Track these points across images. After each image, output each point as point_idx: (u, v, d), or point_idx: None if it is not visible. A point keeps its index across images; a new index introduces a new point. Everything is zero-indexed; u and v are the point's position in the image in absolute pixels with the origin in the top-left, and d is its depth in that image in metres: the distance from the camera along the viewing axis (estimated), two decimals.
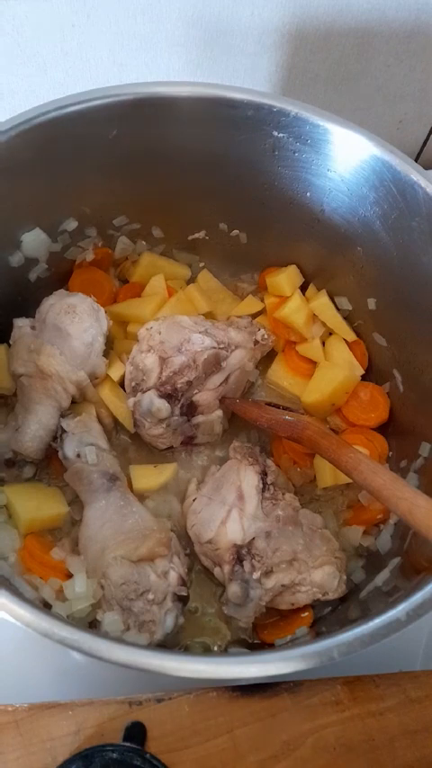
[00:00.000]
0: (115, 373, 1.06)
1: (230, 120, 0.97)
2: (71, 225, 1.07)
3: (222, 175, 1.06)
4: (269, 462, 1.00)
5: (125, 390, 1.04)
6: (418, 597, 0.71)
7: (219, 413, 1.05)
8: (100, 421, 1.05)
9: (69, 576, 0.89)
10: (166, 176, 1.06)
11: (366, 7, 1.23)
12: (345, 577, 0.93)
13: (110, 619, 0.84)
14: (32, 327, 1.03)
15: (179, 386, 0.98)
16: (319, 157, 0.99)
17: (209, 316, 1.15)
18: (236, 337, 1.05)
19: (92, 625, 0.87)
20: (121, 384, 1.07)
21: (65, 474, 0.99)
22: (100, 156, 1.00)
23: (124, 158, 1.02)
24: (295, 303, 1.12)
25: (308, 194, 1.05)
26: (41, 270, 1.09)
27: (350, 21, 1.25)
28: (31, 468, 1.03)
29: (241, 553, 0.89)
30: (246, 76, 1.33)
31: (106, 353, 1.06)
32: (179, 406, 1.00)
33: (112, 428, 1.08)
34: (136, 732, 0.82)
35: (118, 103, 0.94)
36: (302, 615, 0.93)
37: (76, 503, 0.99)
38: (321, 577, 0.89)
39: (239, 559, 0.89)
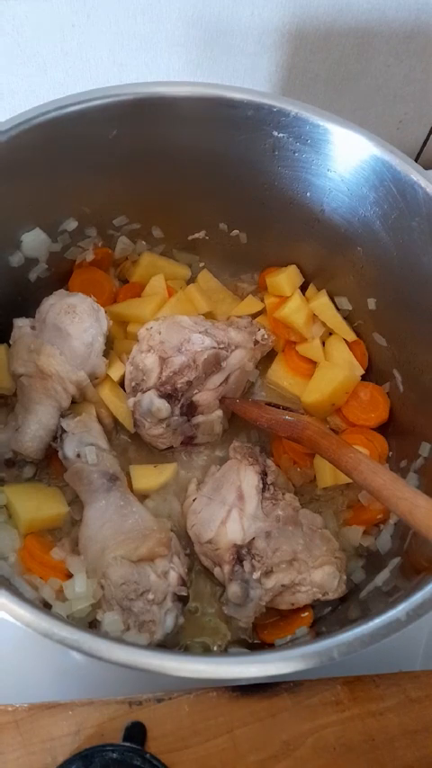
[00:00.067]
0: (115, 373, 1.06)
1: (230, 120, 0.97)
2: (71, 225, 1.07)
3: (222, 175, 1.06)
4: (269, 462, 1.00)
5: (125, 390, 1.04)
6: (418, 597, 0.71)
7: (219, 413, 1.05)
8: (100, 421, 1.05)
9: (69, 576, 0.89)
10: (166, 176, 1.06)
11: (366, 7, 1.23)
12: (345, 577, 0.93)
13: (110, 619, 0.84)
14: (32, 327, 1.03)
15: (179, 386, 0.98)
16: (319, 157, 0.99)
17: (209, 316, 1.15)
18: (236, 337, 1.05)
19: (92, 625, 0.87)
20: (121, 384, 1.07)
21: (65, 474, 0.99)
22: (100, 156, 1.00)
23: (124, 158, 1.02)
24: (295, 303, 1.12)
25: (308, 194, 1.05)
26: (41, 270, 1.09)
27: (350, 21, 1.25)
28: (31, 468, 1.03)
29: (241, 553, 0.89)
30: (246, 76, 1.33)
31: (106, 353, 1.06)
32: (179, 406, 1.00)
33: (112, 428, 1.08)
34: (136, 732, 0.82)
35: (118, 103, 0.94)
36: (302, 615, 0.93)
37: (76, 503, 0.99)
38: (321, 577, 0.89)
39: (239, 559, 0.89)
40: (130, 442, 1.09)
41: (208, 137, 1.01)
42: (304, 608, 0.93)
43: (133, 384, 1.01)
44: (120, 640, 0.69)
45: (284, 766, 0.82)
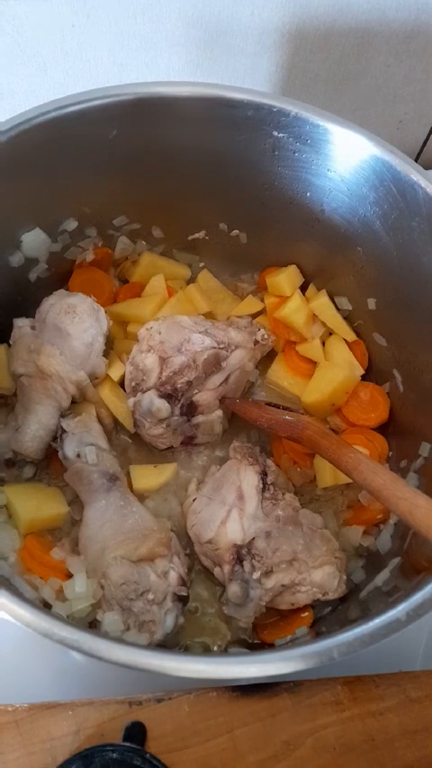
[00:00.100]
0: (115, 373, 1.06)
1: (230, 120, 0.97)
2: (71, 225, 1.07)
3: (222, 175, 1.06)
4: (269, 462, 1.00)
5: (125, 390, 1.04)
6: (418, 597, 0.71)
7: (219, 413, 1.05)
8: (100, 421, 1.05)
9: (69, 576, 0.89)
10: (166, 176, 1.06)
11: (366, 7, 1.23)
12: (345, 577, 0.93)
13: (110, 619, 0.84)
14: (32, 327, 1.03)
15: (179, 386, 0.98)
16: (319, 157, 0.99)
17: (209, 316, 1.15)
18: (236, 337, 1.05)
19: (92, 625, 0.87)
20: (121, 384, 1.07)
21: (65, 474, 0.99)
22: (100, 156, 1.00)
23: (124, 158, 1.02)
24: (295, 303, 1.12)
25: (308, 194, 1.05)
26: (41, 270, 1.09)
27: (350, 21, 1.25)
28: (31, 468, 1.03)
29: (241, 553, 0.89)
30: (246, 76, 1.33)
31: (106, 353, 1.06)
32: (179, 406, 1.00)
33: (112, 428, 1.08)
34: (136, 732, 0.82)
35: (118, 103, 0.94)
36: (302, 615, 0.93)
37: (76, 503, 0.99)
38: (321, 577, 0.89)
39: (239, 559, 0.89)
40: (130, 442, 1.09)
41: (208, 137, 1.01)
42: (304, 608, 0.93)
43: (133, 384, 1.01)
44: (120, 640, 0.69)
45: (284, 766, 0.82)
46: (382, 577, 0.89)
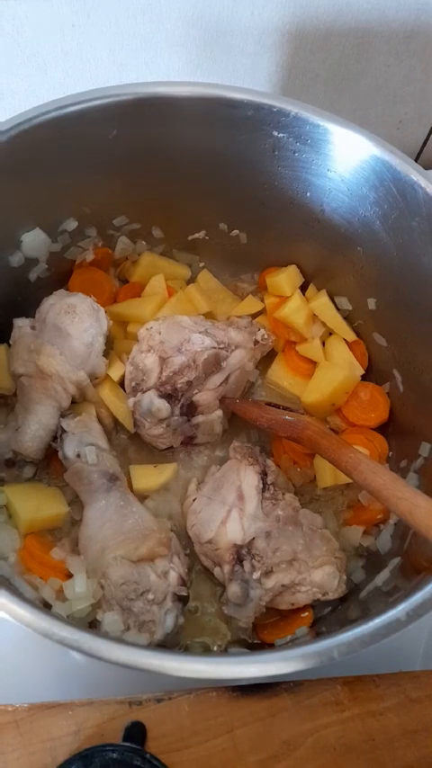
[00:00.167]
0: (115, 373, 1.06)
1: (230, 120, 0.97)
2: (71, 225, 1.07)
3: (222, 175, 1.06)
4: (269, 462, 1.00)
5: (125, 390, 1.04)
6: (418, 597, 0.71)
7: (219, 413, 1.05)
8: (100, 421, 1.05)
9: (69, 576, 0.89)
10: (166, 176, 1.06)
11: (366, 7, 1.23)
12: (345, 577, 0.93)
13: (110, 619, 0.84)
14: (32, 327, 1.03)
15: (179, 386, 0.98)
16: (319, 157, 0.99)
17: (209, 316, 1.15)
18: (236, 337, 1.05)
19: (92, 625, 0.87)
20: (121, 384, 1.07)
21: (65, 474, 0.99)
22: (100, 156, 1.00)
23: (124, 158, 1.02)
24: (295, 303, 1.12)
25: (308, 194, 1.05)
26: (41, 270, 1.09)
27: (350, 21, 1.25)
28: (31, 468, 1.03)
29: (241, 553, 0.89)
30: (246, 76, 1.33)
31: (106, 353, 1.06)
32: (179, 406, 1.00)
33: (112, 428, 1.08)
34: (136, 732, 0.82)
35: (118, 103, 0.94)
36: (302, 615, 0.93)
37: (76, 503, 0.99)
38: (321, 577, 0.89)
39: (239, 559, 0.89)
40: (130, 442, 1.09)
41: (208, 137, 1.01)
42: (304, 608, 0.93)
43: (133, 384, 1.01)
44: (120, 640, 0.69)
45: (284, 766, 0.82)
46: (382, 577, 0.89)
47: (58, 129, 0.92)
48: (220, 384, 1.03)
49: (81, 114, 0.92)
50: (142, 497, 1.01)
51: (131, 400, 1.01)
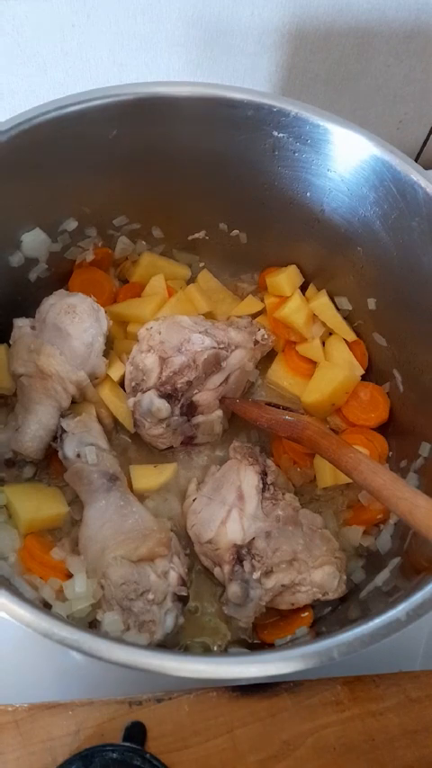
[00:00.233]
0: (115, 373, 1.06)
1: (230, 120, 0.97)
2: (71, 225, 1.07)
3: (222, 175, 1.06)
4: (269, 462, 1.00)
5: (125, 390, 1.04)
6: (418, 597, 0.71)
7: (219, 413, 1.05)
8: (100, 421, 1.05)
9: (69, 576, 0.89)
10: (166, 176, 1.06)
11: (366, 7, 1.23)
12: (345, 577, 0.93)
13: (110, 619, 0.84)
14: (32, 327, 1.03)
15: (179, 386, 0.98)
16: (319, 157, 0.99)
17: (209, 316, 1.15)
18: (236, 337, 1.05)
19: (92, 625, 0.87)
20: (121, 384, 1.07)
21: (65, 474, 0.99)
22: (100, 156, 1.00)
23: (124, 158, 1.02)
24: (295, 303, 1.12)
25: (308, 194, 1.05)
26: (41, 270, 1.09)
27: (350, 21, 1.25)
28: (31, 468, 1.03)
29: (241, 553, 0.89)
30: (246, 76, 1.33)
31: (106, 353, 1.06)
32: (179, 406, 1.00)
33: (112, 428, 1.08)
34: (136, 732, 0.82)
35: (118, 103, 0.94)
36: (302, 615, 0.93)
37: (76, 503, 0.99)
38: (321, 577, 0.89)
39: (239, 559, 0.89)
40: (130, 442, 1.09)
41: (208, 137, 1.01)
42: (304, 608, 0.93)
43: (133, 384, 1.01)
44: (120, 640, 0.69)
45: (284, 766, 0.82)
46: (382, 577, 0.89)
47: (58, 129, 0.92)
48: (220, 384, 1.03)
49: (81, 114, 0.92)
50: (142, 497, 1.01)
51: (131, 400, 1.01)
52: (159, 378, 0.98)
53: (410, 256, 0.97)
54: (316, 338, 1.13)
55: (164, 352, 0.98)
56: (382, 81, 1.38)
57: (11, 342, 1.04)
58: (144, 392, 0.99)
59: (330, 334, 1.15)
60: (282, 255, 1.17)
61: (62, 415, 1.02)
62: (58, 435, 1.00)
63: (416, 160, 1.34)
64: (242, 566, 0.88)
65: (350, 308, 1.14)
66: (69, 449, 0.98)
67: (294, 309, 1.11)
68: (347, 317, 1.15)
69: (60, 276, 1.12)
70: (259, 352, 1.12)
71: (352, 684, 0.87)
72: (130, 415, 1.04)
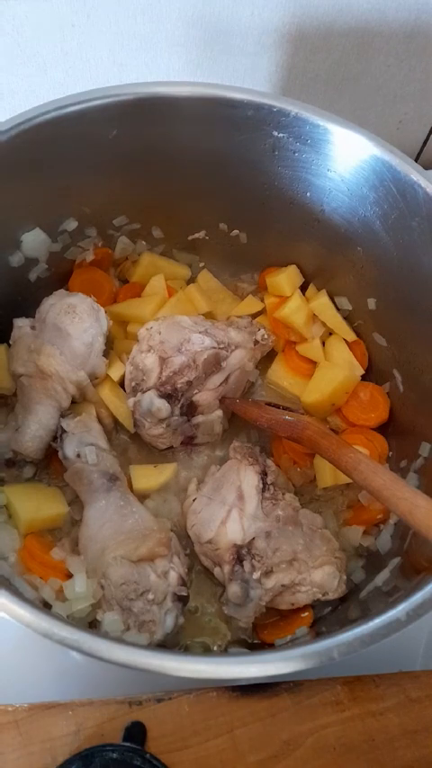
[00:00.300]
0: (115, 373, 1.06)
1: (230, 120, 0.97)
2: (71, 225, 1.07)
3: (222, 175, 1.06)
4: (269, 462, 1.00)
5: (125, 390, 1.04)
6: (418, 597, 0.71)
7: (219, 413, 1.05)
8: (100, 421, 1.05)
9: (69, 576, 0.89)
10: (166, 176, 1.06)
11: (366, 7, 1.23)
12: (345, 577, 0.93)
13: (110, 619, 0.84)
14: (32, 327, 1.03)
15: (179, 386, 0.98)
16: (319, 157, 0.99)
17: (209, 316, 1.15)
18: (236, 337, 1.05)
19: (92, 625, 0.87)
20: (121, 384, 1.07)
21: (65, 474, 0.99)
22: (100, 156, 1.00)
23: (124, 158, 1.02)
24: (295, 303, 1.12)
25: (308, 194, 1.05)
26: (41, 270, 1.09)
27: (350, 21, 1.25)
28: (31, 468, 1.03)
29: (241, 553, 0.89)
30: (246, 76, 1.33)
31: (106, 353, 1.06)
32: (179, 406, 1.00)
33: (112, 428, 1.08)
34: (136, 732, 0.82)
35: (118, 103, 0.94)
36: (302, 615, 0.93)
37: (76, 503, 0.99)
38: (321, 577, 0.89)
39: (239, 559, 0.89)
40: (130, 442, 1.09)
41: (208, 137, 1.01)
42: (304, 608, 0.93)
43: (133, 384, 1.01)
44: (120, 640, 0.69)
45: (284, 766, 0.82)
46: (382, 577, 0.89)
47: (58, 129, 0.92)
48: (220, 384, 1.03)
49: (81, 114, 0.92)
50: (142, 497, 1.01)
51: (131, 400, 1.01)
52: (159, 378, 0.98)
53: (410, 256, 0.97)
54: (316, 338, 1.13)
55: (164, 352, 0.98)
56: (382, 81, 1.38)
57: (11, 342, 1.04)
58: (144, 392, 0.99)
59: (330, 334, 1.15)
60: (282, 255, 1.17)
61: (62, 415, 1.02)
62: (58, 435, 1.00)
63: (416, 160, 1.34)
64: (242, 566, 0.88)
65: (350, 308, 1.14)
66: (69, 449, 0.98)
67: (294, 309, 1.11)
68: (347, 317, 1.15)
69: (60, 276, 1.12)
70: (259, 352, 1.12)
71: (352, 684, 0.87)
72: (130, 415, 1.04)
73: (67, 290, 1.10)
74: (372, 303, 1.08)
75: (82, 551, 0.92)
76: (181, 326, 1.01)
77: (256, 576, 0.87)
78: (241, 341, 1.05)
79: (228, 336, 1.04)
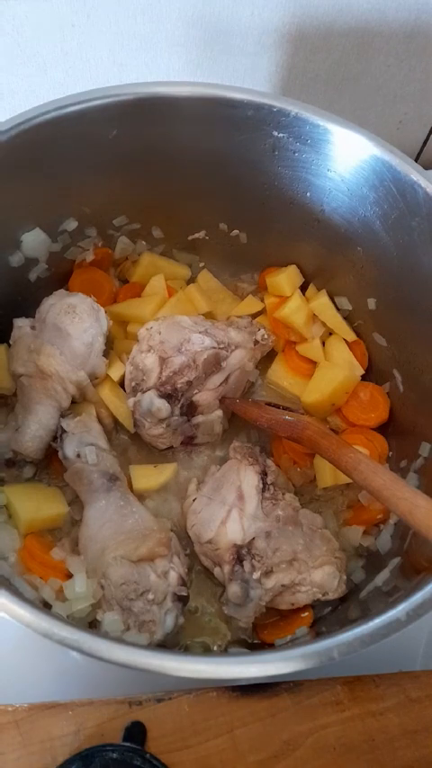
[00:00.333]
0: (115, 373, 1.06)
1: (230, 120, 0.97)
2: (71, 225, 1.07)
3: (222, 175, 1.06)
4: (269, 462, 1.00)
5: (125, 390, 1.04)
6: (418, 597, 0.71)
7: (219, 413, 1.05)
8: (100, 421, 1.05)
9: (69, 576, 0.89)
10: (166, 176, 1.06)
11: (366, 7, 1.23)
12: (345, 577, 0.93)
13: (110, 619, 0.84)
14: (32, 327, 1.03)
15: (179, 386, 0.98)
16: (319, 157, 0.99)
17: (209, 316, 1.15)
18: (236, 337, 1.05)
19: (92, 625, 0.87)
20: (121, 384, 1.07)
21: (65, 474, 0.99)
22: (100, 156, 1.00)
23: (124, 158, 1.02)
24: (295, 303, 1.12)
25: (308, 194, 1.05)
26: (41, 270, 1.09)
27: (350, 21, 1.25)
28: (31, 468, 1.03)
29: (241, 553, 0.89)
30: (246, 76, 1.33)
31: (106, 353, 1.06)
32: (179, 406, 1.00)
33: (112, 428, 1.08)
34: (136, 732, 0.82)
35: (118, 103, 0.94)
36: (302, 615, 0.93)
37: (76, 503, 0.99)
38: (321, 577, 0.89)
39: (239, 559, 0.89)
40: (130, 442, 1.09)
41: (208, 137, 1.01)
42: (304, 608, 0.93)
43: (133, 384, 1.01)
44: (120, 640, 0.69)
45: (284, 766, 0.82)
46: (382, 577, 0.89)
47: (58, 129, 0.92)
48: (220, 384, 1.03)
49: (81, 114, 0.92)
50: (142, 497, 1.01)
51: (131, 400, 1.01)
52: (159, 378, 0.98)
53: (410, 256, 0.97)
54: (316, 338, 1.13)
55: (164, 352, 0.98)
56: (382, 81, 1.38)
57: (11, 342, 1.04)
58: (144, 392, 0.99)
59: (330, 334, 1.15)
60: (282, 255, 1.17)
61: (62, 415, 1.02)
62: (58, 435, 1.00)
63: (416, 160, 1.34)
64: (242, 566, 0.88)
65: (350, 308, 1.14)
66: (69, 449, 0.98)
67: (294, 309, 1.11)
68: (347, 317, 1.15)
69: (60, 276, 1.12)
70: (259, 352, 1.12)
71: (352, 684, 0.87)
72: (130, 415, 1.04)
73: (67, 290, 1.10)
74: (372, 303, 1.08)
75: (82, 551, 0.92)
76: (181, 326, 1.01)
77: (256, 576, 0.87)
78: (241, 341, 1.05)
79: (228, 336, 1.04)
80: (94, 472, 0.96)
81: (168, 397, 0.98)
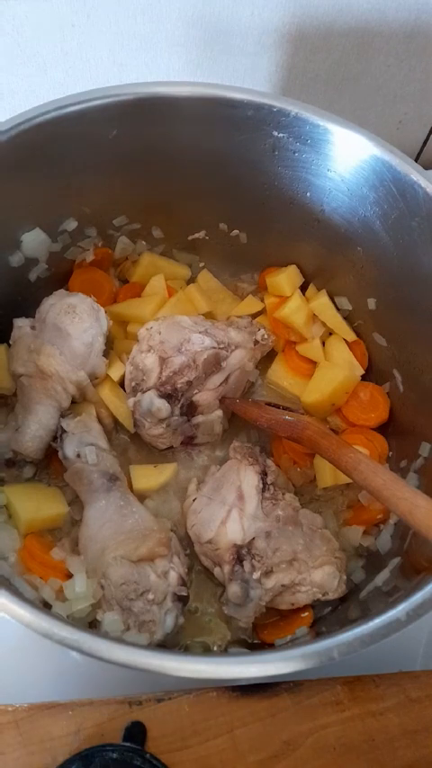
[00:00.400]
0: (115, 373, 1.06)
1: (230, 120, 0.97)
2: (71, 225, 1.07)
3: (222, 175, 1.06)
4: (269, 462, 1.00)
5: (125, 390, 1.04)
6: (418, 597, 0.71)
7: (219, 413, 1.05)
8: (100, 421, 1.05)
9: (69, 576, 0.89)
10: (166, 176, 1.06)
11: (366, 7, 1.23)
12: (345, 577, 0.93)
13: (110, 619, 0.84)
14: (32, 327, 1.03)
15: (179, 386, 0.98)
16: (319, 157, 0.99)
17: (209, 316, 1.15)
18: (236, 337, 1.05)
19: (92, 625, 0.87)
20: (121, 384, 1.07)
21: (65, 474, 0.99)
22: (100, 156, 1.00)
23: (124, 158, 1.02)
24: (295, 303, 1.12)
25: (308, 194, 1.05)
26: (41, 270, 1.09)
27: (350, 21, 1.25)
28: (31, 468, 1.03)
29: (241, 553, 0.89)
30: (246, 76, 1.33)
31: (106, 353, 1.06)
32: (179, 406, 1.00)
33: (112, 428, 1.08)
34: (136, 732, 0.82)
35: (118, 103, 0.94)
36: (302, 615, 0.93)
37: (76, 503, 0.99)
38: (321, 577, 0.89)
39: (239, 559, 0.89)
40: (130, 442, 1.09)
41: (208, 137, 1.01)
42: (304, 608, 0.93)
43: (133, 384, 1.01)
44: (120, 640, 0.69)
45: (284, 766, 0.82)
46: (382, 577, 0.89)
47: (58, 129, 0.92)
48: (220, 384, 1.03)
49: (81, 114, 0.92)
50: (142, 497, 1.01)
51: (131, 400, 1.01)
52: (159, 378, 0.98)
53: (410, 256, 0.97)
54: (316, 338, 1.13)
55: (164, 352, 0.98)
56: (382, 81, 1.38)
57: (11, 342, 1.04)
58: (144, 392, 0.99)
59: (330, 334, 1.15)
60: (282, 255, 1.17)
61: (62, 415, 1.02)
62: (58, 435, 1.00)
63: (416, 160, 1.34)
64: (242, 566, 0.88)
65: (350, 308, 1.14)
66: (69, 449, 0.98)
67: (294, 309, 1.11)
68: (347, 317, 1.15)
69: (60, 276, 1.12)
70: (259, 352, 1.12)
71: (352, 684, 0.87)
72: (130, 415, 1.04)
73: (67, 290, 1.10)
74: (372, 303, 1.08)
75: (82, 551, 0.92)
76: (181, 326, 1.01)
77: (256, 575, 0.87)
78: (241, 341, 1.05)
79: (228, 336, 1.04)
80: (94, 472, 0.96)
81: (168, 397, 0.98)
